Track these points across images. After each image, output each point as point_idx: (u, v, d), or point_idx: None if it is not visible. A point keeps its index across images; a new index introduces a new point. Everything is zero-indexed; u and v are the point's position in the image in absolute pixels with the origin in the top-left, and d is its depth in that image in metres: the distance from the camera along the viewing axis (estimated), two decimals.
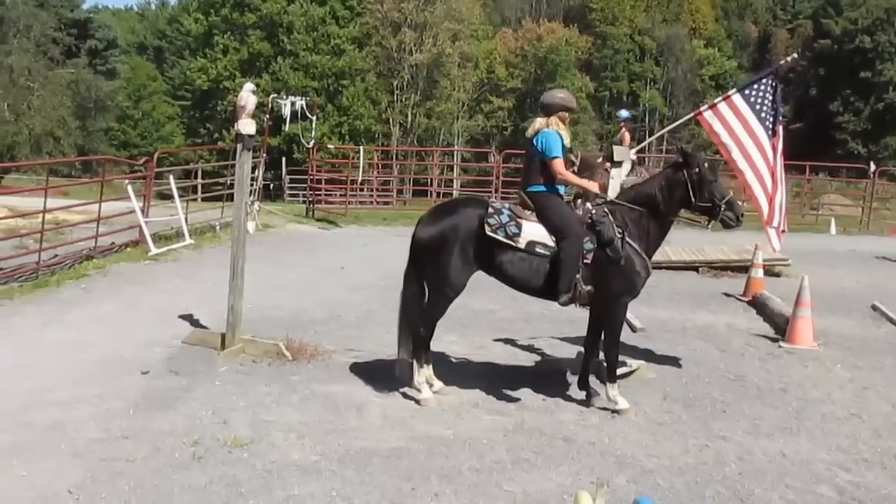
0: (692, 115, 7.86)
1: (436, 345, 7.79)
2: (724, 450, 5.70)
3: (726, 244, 13.83)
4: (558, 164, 6.37)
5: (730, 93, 7.55)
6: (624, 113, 15.73)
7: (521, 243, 6.24)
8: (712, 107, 7.50)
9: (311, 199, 21.42)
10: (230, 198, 12.23)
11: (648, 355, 7.93)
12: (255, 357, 7.33)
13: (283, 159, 37.31)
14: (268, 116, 17.41)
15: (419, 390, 6.42)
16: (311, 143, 19.63)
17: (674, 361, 7.84)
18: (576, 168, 9.61)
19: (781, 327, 9.07)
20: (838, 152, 54.89)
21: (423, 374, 6.49)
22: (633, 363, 7.40)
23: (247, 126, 7.48)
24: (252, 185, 8.39)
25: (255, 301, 7.98)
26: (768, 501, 4.91)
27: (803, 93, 63.91)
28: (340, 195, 25.00)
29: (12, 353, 7.22)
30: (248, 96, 7.65)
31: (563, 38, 63.80)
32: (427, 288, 6.47)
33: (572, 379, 6.95)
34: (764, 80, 7.49)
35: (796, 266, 12.76)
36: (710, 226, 6.79)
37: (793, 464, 5.51)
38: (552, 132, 6.41)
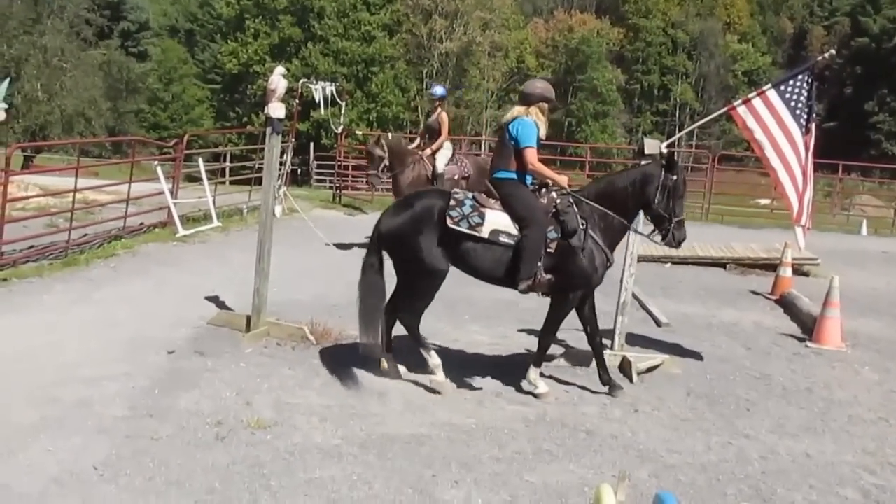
0: (725, 109, 7.77)
1: (459, 334, 7.82)
2: (748, 448, 5.65)
3: (755, 242, 13.70)
4: (531, 154, 6.38)
5: (764, 88, 7.44)
6: (438, 90, 13.20)
7: (485, 232, 6.23)
8: (746, 102, 7.40)
9: (337, 184, 21.46)
10: (258, 181, 12.28)
11: (673, 350, 7.88)
12: (280, 340, 7.37)
13: (311, 145, 37.35)
14: (297, 101, 17.43)
15: (433, 371, 6.41)
16: (340, 129, 19.66)
17: (699, 358, 7.79)
18: (386, 158, 11.38)
19: (809, 327, 8.97)
20: (872, 152, 54.23)
21: (434, 356, 6.44)
22: (658, 357, 7.36)
23: (276, 110, 7.50)
24: (280, 169, 8.42)
25: (280, 284, 8.00)
26: (791, 502, 4.87)
27: (838, 91, 63.14)
28: (367, 182, 24.97)
29: (42, 330, 7.30)
30: (278, 80, 7.66)
31: (594, 30, 63.50)
32: (400, 280, 6.52)
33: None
34: (799, 77, 7.38)
35: (826, 266, 12.61)
36: (650, 235, 6.74)
37: (817, 465, 5.45)
38: (529, 121, 6.40)
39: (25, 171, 19.66)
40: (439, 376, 6.40)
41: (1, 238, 9.47)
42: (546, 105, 6.56)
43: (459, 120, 57.13)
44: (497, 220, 6.25)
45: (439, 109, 12.54)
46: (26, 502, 4.28)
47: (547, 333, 6.62)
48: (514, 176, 6.42)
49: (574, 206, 6.36)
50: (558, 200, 6.38)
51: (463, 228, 6.20)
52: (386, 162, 11.88)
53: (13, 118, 32.25)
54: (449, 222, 6.19)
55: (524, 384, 6.52)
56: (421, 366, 6.50)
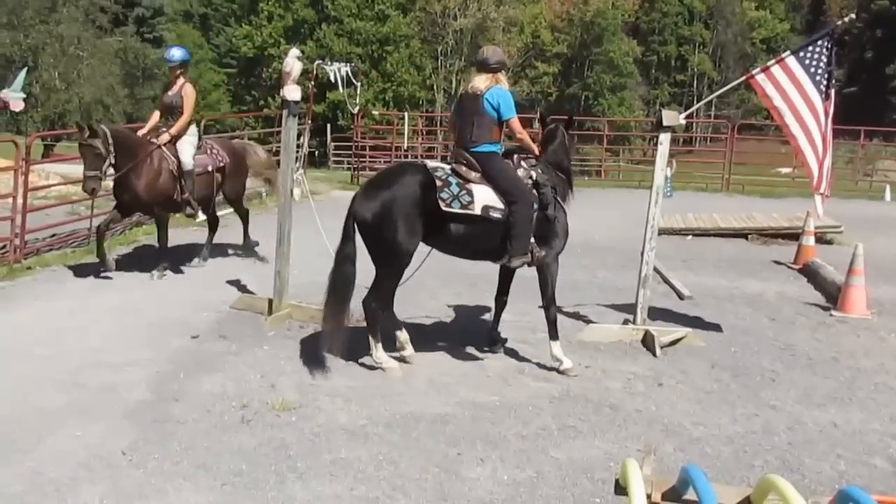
0: (744, 78, 7.66)
1: (480, 311, 7.80)
2: (774, 419, 5.62)
3: (777, 211, 13.57)
4: (517, 124, 6.42)
5: (783, 56, 7.33)
6: (176, 53, 9.42)
7: (477, 210, 6.09)
8: (765, 70, 7.29)
9: (355, 165, 21.46)
10: (276, 164, 12.28)
11: (696, 323, 7.84)
12: (302, 322, 7.39)
13: (328, 126, 37.38)
14: (313, 83, 17.38)
15: (381, 364, 6.27)
16: (356, 109, 19.61)
17: (722, 330, 7.74)
18: (111, 154, 8.59)
19: (833, 296, 8.89)
20: (894, 117, 53.40)
21: (381, 349, 6.29)
22: (681, 331, 7.32)
23: (292, 92, 7.48)
24: (297, 151, 8.37)
25: (301, 267, 8.02)
26: (819, 472, 4.84)
27: (858, 55, 62.20)
28: (385, 162, 24.94)
29: (67, 316, 7.38)
30: (293, 62, 7.64)
31: (609, 2, 62.72)
32: (374, 264, 6.30)
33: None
34: (819, 43, 7.27)
35: (849, 233, 12.46)
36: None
37: (844, 434, 5.42)
38: (506, 91, 6.34)
39: (46, 159, 19.77)
40: (388, 363, 6.28)
41: (24, 227, 9.54)
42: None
43: None
44: (485, 196, 6.13)
45: (182, 80, 9.27)
46: (57, 487, 4.32)
47: (549, 304, 6.53)
48: (497, 148, 6.35)
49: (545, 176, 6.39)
50: (532, 172, 6.36)
51: (456, 209, 6.05)
52: (111, 159, 8.52)
53: (32, 107, 32.49)
54: (442, 205, 6.01)
55: (550, 361, 6.48)
56: (445, 346, 6.50)
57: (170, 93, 9.28)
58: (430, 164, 6.32)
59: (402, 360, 6.39)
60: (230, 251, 10.44)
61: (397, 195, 6.02)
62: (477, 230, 6.16)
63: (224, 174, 9.63)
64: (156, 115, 9.49)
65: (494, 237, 6.18)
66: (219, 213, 12.50)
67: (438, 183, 6.03)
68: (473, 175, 6.19)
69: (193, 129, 9.40)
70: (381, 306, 6.35)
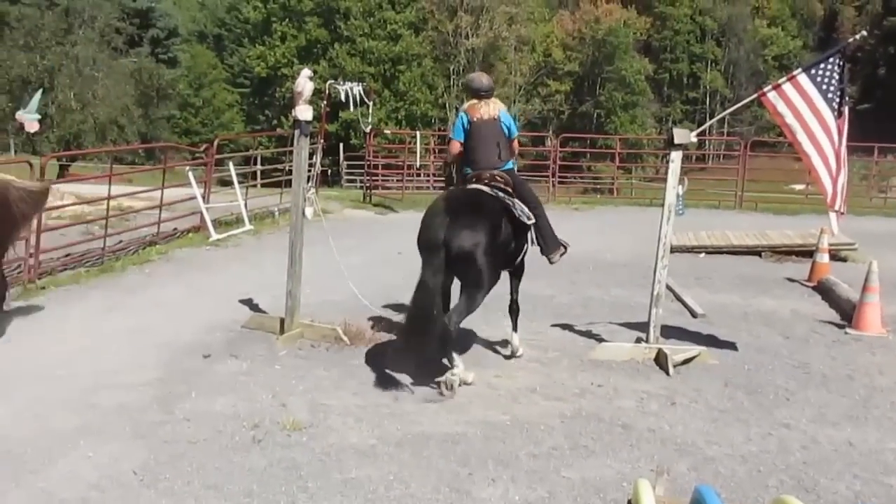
0: (756, 96, 7.64)
1: (493, 330, 7.80)
2: (788, 438, 5.57)
3: (791, 228, 13.51)
4: (517, 142, 7.22)
5: (795, 73, 7.31)
6: None
7: (532, 219, 6.71)
8: (776, 87, 7.28)
9: (368, 184, 21.52)
10: (288, 184, 12.34)
11: (710, 341, 7.79)
12: (314, 341, 7.40)
13: (341, 145, 37.55)
14: (325, 103, 17.46)
15: (467, 380, 6.35)
16: (369, 128, 19.69)
17: (736, 348, 7.69)
18: None
19: (848, 313, 8.82)
20: None
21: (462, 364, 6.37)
22: (694, 349, 7.28)
23: (304, 112, 7.52)
24: (310, 171, 8.40)
25: (312, 286, 8.04)
26: (835, 492, 4.79)
27: (871, 72, 62.07)
28: (397, 180, 25.06)
29: (79, 336, 7.41)
30: (305, 82, 7.68)
31: (621, 20, 62.93)
32: (468, 286, 6.28)
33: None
34: (830, 60, 7.25)
35: (864, 250, 12.38)
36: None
37: (860, 454, 5.35)
38: (507, 113, 7.05)
39: (61, 179, 19.97)
40: (470, 376, 6.42)
41: (38, 247, 9.60)
42: None
43: None
44: (522, 206, 6.68)
45: None
46: None
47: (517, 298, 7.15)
48: (515, 165, 7.09)
49: None
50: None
51: (525, 220, 6.61)
52: None
53: (48, 128, 32.81)
54: (525, 220, 6.61)
55: (507, 350, 7.14)
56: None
57: None
58: (480, 187, 6.64)
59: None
60: (242, 271, 10.46)
61: (494, 222, 6.32)
62: (522, 238, 6.77)
63: None
64: None
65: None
66: (231, 232, 12.54)
67: (507, 202, 6.52)
68: (510, 190, 6.70)
69: None
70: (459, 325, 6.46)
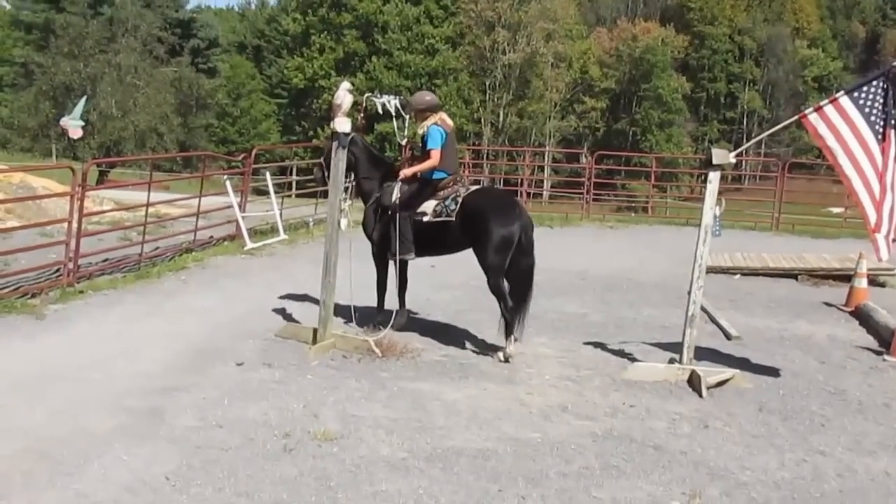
0: (797, 117, 7.57)
1: (524, 347, 7.77)
2: (823, 465, 5.49)
3: (828, 252, 13.33)
4: None
5: (837, 95, 7.24)
6: None
7: None
8: (818, 109, 7.21)
9: None
10: (324, 195, 12.41)
11: (744, 364, 7.70)
12: (346, 352, 7.43)
13: None
14: (362, 115, 17.60)
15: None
16: (404, 141, 19.78)
17: (771, 372, 7.60)
18: None
19: (886, 340, 8.68)
20: None
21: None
22: (728, 371, 7.20)
23: (342, 124, 7.58)
24: (346, 182, 8.48)
25: (346, 297, 8.07)
26: None
27: None
28: None
29: (116, 341, 7.50)
30: (344, 95, 7.76)
31: (659, 38, 62.82)
32: (528, 267, 7.56)
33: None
34: (874, 83, 7.16)
35: None
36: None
37: None
38: None
39: (100, 185, 20.27)
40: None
41: (78, 251, 9.74)
42: None
43: (523, 131, 57.10)
44: None
45: None
46: None
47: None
48: None
49: None
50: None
51: None
52: None
53: (89, 134, 33.30)
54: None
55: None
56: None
57: None
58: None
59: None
60: (276, 280, 10.53)
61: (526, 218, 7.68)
62: None
63: None
64: None
65: None
66: (266, 241, 12.63)
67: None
68: None
69: None
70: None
